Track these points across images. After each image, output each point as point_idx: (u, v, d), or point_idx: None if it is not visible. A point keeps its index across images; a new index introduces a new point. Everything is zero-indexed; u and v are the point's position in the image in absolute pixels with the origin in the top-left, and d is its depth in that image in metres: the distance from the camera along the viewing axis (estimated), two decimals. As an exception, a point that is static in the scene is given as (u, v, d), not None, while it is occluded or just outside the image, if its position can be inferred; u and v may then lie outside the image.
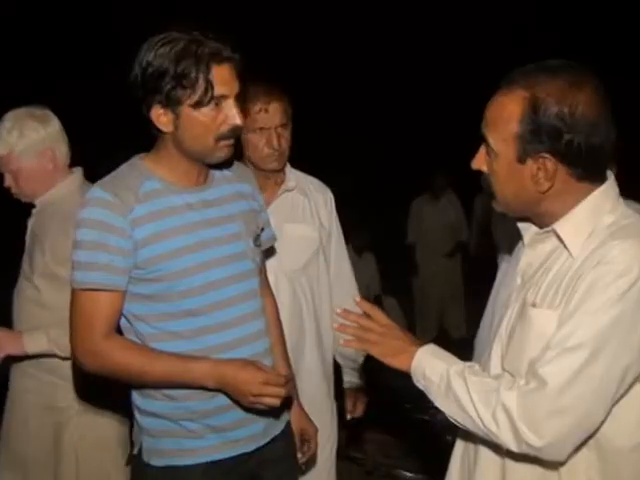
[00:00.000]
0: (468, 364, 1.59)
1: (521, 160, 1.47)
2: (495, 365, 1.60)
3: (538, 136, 1.44)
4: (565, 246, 1.49)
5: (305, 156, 2.93)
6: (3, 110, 2.47)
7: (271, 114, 2.45)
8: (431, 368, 1.58)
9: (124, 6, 7.96)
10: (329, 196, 2.72)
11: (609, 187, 1.52)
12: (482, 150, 1.56)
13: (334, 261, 2.71)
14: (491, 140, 1.51)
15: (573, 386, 1.40)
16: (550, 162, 1.45)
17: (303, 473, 2.39)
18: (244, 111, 2.10)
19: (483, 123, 1.53)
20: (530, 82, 1.45)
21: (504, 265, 1.82)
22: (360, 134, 10.06)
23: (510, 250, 1.76)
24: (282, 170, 2.60)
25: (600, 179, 1.51)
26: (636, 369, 1.43)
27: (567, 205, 1.50)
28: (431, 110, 9.93)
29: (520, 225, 1.62)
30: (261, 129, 2.46)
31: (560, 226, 1.50)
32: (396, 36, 9.01)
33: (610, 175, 1.54)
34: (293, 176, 2.64)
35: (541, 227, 1.58)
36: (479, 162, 1.57)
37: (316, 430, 2.22)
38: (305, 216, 2.62)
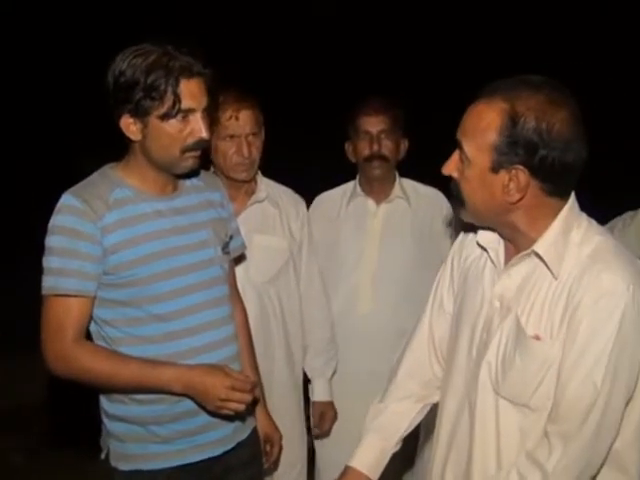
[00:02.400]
0: None
1: (494, 170, 1.49)
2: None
3: (514, 148, 1.45)
4: (548, 268, 1.51)
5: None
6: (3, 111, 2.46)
7: (241, 122, 2.43)
8: None
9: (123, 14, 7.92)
10: (302, 207, 2.70)
11: (572, 204, 1.55)
12: (455, 156, 1.57)
13: (304, 273, 2.68)
14: (466, 147, 1.52)
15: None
16: (523, 175, 1.47)
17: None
18: (214, 119, 2.13)
19: (459, 130, 1.55)
20: (511, 95, 1.46)
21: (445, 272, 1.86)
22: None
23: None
24: (253, 180, 2.58)
25: (568, 195, 1.53)
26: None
27: (534, 220, 1.52)
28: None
29: (485, 244, 1.64)
30: (231, 137, 2.43)
31: (540, 248, 1.52)
32: (379, 50, 9.04)
33: (571, 195, 1.56)
34: (264, 186, 2.61)
35: (509, 240, 1.60)
36: (450, 168, 1.58)
37: (280, 436, 2.25)
38: (275, 227, 2.60)
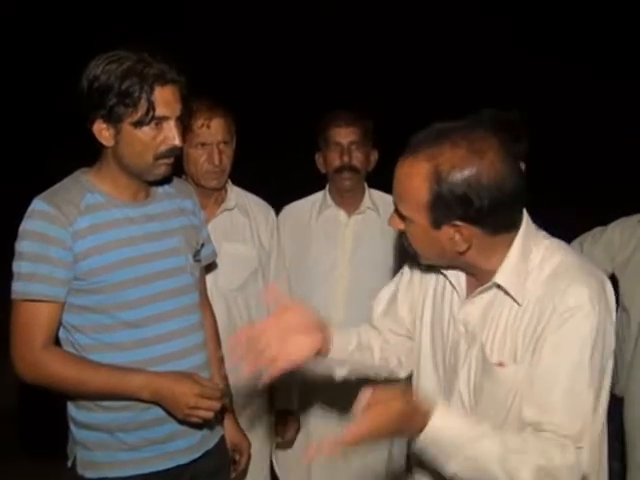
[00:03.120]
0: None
1: (436, 226, 1.49)
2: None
3: (447, 205, 1.45)
4: (512, 297, 1.52)
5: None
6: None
7: (213, 130, 2.44)
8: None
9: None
10: (271, 216, 2.71)
11: (527, 228, 1.55)
12: (395, 213, 1.58)
13: (272, 282, 2.67)
14: (402, 209, 1.53)
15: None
16: (464, 227, 1.47)
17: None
18: (187, 127, 2.13)
19: (393, 192, 1.55)
20: (432, 153, 1.45)
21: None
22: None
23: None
24: (223, 188, 2.59)
25: (517, 226, 1.54)
26: None
27: (488, 257, 1.53)
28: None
29: (449, 273, 1.66)
30: (203, 145, 2.44)
31: (500, 278, 1.53)
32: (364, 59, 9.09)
33: (524, 213, 1.57)
34: (234, 195, 2.62)
35: (465, 272, 1.62)
36: (395, 223, 1.59)
37: (249, 445, 2.25)
38: (244, 235, 2.61)
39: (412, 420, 1.42)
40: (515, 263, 1.52)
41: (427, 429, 1.42)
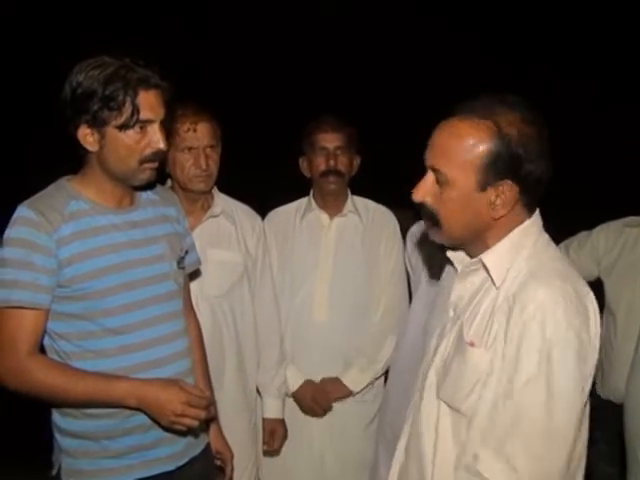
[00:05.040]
0: None
1: (482, 188, 1.49)
2: (429, 391, 1.64)
3: (502, 164, 1.46)
4: (490, 276, 1.54)
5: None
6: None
7: (199, 134, 2.46)
8: None
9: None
10: (258, 223, 2.72)
11: (535, 221, 1.57)
12: (428, 180, 1.55)
13: (258, 290, 2.70)
14: (445, 169, 1.51)
15: None
16: (510, 189, 1.48)
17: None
18: (173, 131, 2.15)
19: (432, 153, 1.53)
20: (488, 113, 1.48)
21: (430, 289, 1.89)
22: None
23: (430, 274, 1.83)
24: (209, 193, 2.60)
25: (533, 211, 1.56)
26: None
27: (503, 235, 1.54)
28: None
29: (451, 255, 1.67)
30: (189, 149, 2.46)
31: (487, 257, 1.55)
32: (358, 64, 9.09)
33: (536, 210, 1.59)
34: (220, 201, 2.63)
35: (471, 254, 1.62)
36: (424, 193, 1.56)
37: (232, 455, 2.23)
38: (230, 242, 2.62)
39: None
40: (505, 248, 1.54)
41: None
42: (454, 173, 1.50)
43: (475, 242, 1.59)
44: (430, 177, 1.55)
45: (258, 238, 2.70)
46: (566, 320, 1.43)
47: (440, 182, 1.53)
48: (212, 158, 2.52)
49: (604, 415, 2.83)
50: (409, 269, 2.76)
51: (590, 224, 3.05)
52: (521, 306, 1.45)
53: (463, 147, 1.48)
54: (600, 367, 2.93)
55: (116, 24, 7.85)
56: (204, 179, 2.51)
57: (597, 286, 2.93)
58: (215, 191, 2.65)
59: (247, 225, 2.68)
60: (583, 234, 3.04)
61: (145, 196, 2.00)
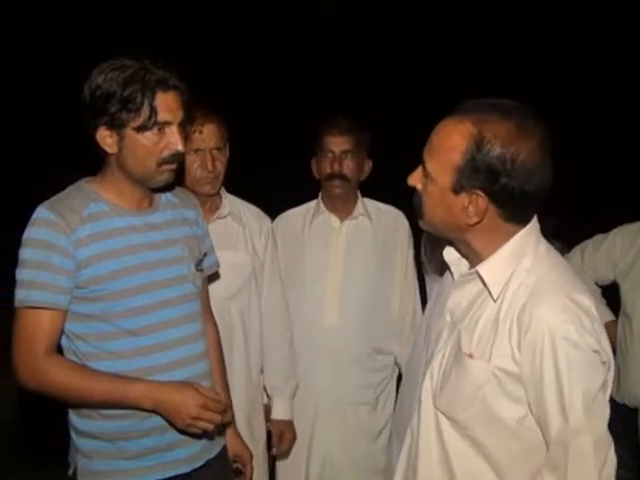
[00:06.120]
0: None
1: (455, 191, 1.50)
2: (426, 399, 1.64)
3: (476, 173, 1.46)
4: (487, 288, 1.53)
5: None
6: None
7: (205, 135, 2.46)
8: None
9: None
10: (266, 224, 2.71)
11: (531, 229, 1.56)
12: (420, 169, 1.59)
13: (266, 291, 2.68)
14: (429, 165, 1.54)
15: None
16: (482, 200, 1.48)
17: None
18: (188, 133, 2.14)
19: (427, 147, 1.56)
20: (481, 119, 1.47)
21: (435, 287, 1.88)
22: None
23: (439, 271, 1.82)
24: (217, 195, 2.59)
25: (526, 222, 1.55)
26: None
27: (489, 242, 1.54)
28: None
29: (448, 260, 1.67)
30: (196, 151, 2.45)
31: (483, 268, 1.54)
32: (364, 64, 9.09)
33: (534, 217, 1.58)
34: (228, 203, 2.63)
35: (464, 256, 1.63)
36: (415, 179, 1.60)
37: (251, 455, 2.23)
38: (238, 243, 2.60)
39: None
40: (503, 259, 1.53)
41: None
42: (434, 169, 1.53)
43: (458, 241, 1.61)
44: (421, 167, 1.58)
45: (266, 239, 2.69)
46: (568, 336, 1.44)
47: (425, 174, 1.56)
48: (219, 160, 2.51)
49: (619, 418, 2.82)
50: (424, 270, 2.76)
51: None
52: (527, 327, 1.46)
53: (445, 147, 1.51)
54: (615, 371, 2.91)
55: (128, 26, 7.89)
56: (211, 181, 2.50)
57: (613, 290, 2.91)
58: (223, 192, 2.65)
59: (255, 226, 2.67)
60: (598, 237, 3.02)
61: (164, 198, 2.01)
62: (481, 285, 1.57)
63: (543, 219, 1.60)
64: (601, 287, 3.04)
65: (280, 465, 2.90)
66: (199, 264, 2.04)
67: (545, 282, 1.49)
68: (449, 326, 1.63)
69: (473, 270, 1.56)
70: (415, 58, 8.94)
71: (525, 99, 1.55)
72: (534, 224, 1.58)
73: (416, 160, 1.60)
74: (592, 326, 1.46)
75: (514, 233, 1.54)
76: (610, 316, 2.98)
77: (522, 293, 1.49)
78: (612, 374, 1.53)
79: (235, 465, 2.19)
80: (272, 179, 7.01)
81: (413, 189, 1.62)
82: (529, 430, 1.51)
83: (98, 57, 1.83)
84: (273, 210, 2.89)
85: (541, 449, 1.51)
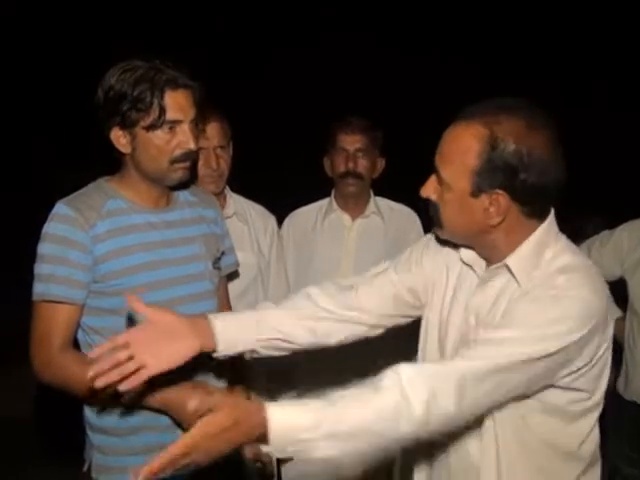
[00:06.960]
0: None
1: (475, 194, 1.50)
2: None
3: (494, 173, 1.46)
4: (515, 279, 1.53)
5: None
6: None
7: (209, 134, 2.47)
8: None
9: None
10: (271, 223, 2.73)
11: (551, 223, 1.57)
12: (432, 179, 1.58)
13: (272, 289, 2.70)
14: (444, 172, 1.53)
15: None
16: (503, 198, 1.48)
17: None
18: (200, 132, 2.16)
19: (437, 154, 1.55)
20: (490, 119, 1.47)
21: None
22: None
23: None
24: (221, 194, 2.60)
25: (545, 216, 1.56)
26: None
27: (512, 240, 1.54)
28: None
29: (467, 260, 1.66)
30: (199, 149, 2.41)
31: (511, 260, 1.54)
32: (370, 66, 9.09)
33: (551, 210, 1.59)
34: (233, 202, 2.64)
35: (485, 258, 1.62)
36: (429, 190, 1.58)
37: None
38: (243, 243, 2.61)
39: (245, 427, 1.32)
40: (529, 251, 1.53)
41: (272, 425, 1.31)
42: (450, 176, 1.52)
43: (481, 246, 1.61)
44: (434, 176, 1.58)
45: (271, 238, 2.71)
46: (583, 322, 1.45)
47: (440, 183, 1.55)
48: (223, 158, 2.53)
49: (627, 416, 2.82)
50: None
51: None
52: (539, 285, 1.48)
53: (459, 152, 1.50)
54: (624, 368, 2.91)
55: (131, 25, 7.90)
56: (214, 179, 2.52)
57: (620, 286, 2.91)
58: (228, 192, 2.66)
59: (260, 226, 2.69)
60: (605, 233, 3.00)
61: (182, 197, 2.04)
62: (503, 280, 1.57)
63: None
64: (608, 283, 3.03)
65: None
66: (216, 262, 2.07)
67: (570, 267, 1.50)
68: (474, 329, 1.60)
69: (501, 263, 1.56)
70: (415, 58, 8.94)
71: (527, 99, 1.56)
72: (552, 219, 1.58)
73: (417, 160, 1.60)
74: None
75: (535, 229, 1.54)
76: (618, 312, 2.98)
77: (544, 276, 1.50)
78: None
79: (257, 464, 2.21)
80: (272, 179, 7.02)
81: (427, 200, 1.60)
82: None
83: (101, 60, 1.87)
84: (276, 209, 2.90)
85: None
